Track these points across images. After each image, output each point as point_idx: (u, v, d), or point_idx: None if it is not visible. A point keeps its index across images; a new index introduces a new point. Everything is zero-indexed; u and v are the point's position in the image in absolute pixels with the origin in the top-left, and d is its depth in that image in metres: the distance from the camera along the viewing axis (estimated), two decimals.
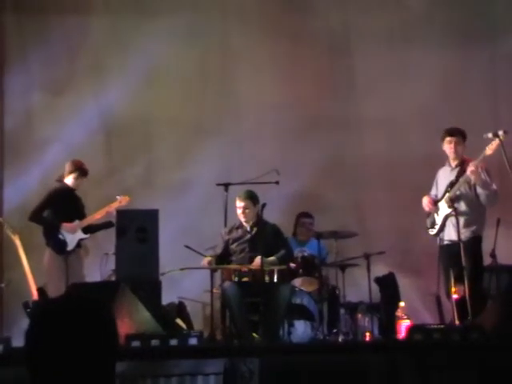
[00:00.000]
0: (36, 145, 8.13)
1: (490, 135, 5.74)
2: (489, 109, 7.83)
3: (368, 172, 8.11)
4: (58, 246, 6.51)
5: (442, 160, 6.46)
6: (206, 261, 6.03)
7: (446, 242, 6.07)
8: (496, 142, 5.73)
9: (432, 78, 8.05)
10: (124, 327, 4.56)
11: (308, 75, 8.24)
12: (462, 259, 5.65)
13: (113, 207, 6.67)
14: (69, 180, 6.70)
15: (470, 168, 5.84)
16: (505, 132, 5.64)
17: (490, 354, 4.27)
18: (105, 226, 6.70)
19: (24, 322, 5.69)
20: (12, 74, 8.35)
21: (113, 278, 6.75)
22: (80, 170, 6.70)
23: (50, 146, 7.96)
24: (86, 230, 6.65)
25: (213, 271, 5.94)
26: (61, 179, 6.75)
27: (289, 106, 8.19)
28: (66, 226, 6.53)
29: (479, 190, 5.97)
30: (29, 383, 1.59)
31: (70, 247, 6.53)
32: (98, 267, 6.97)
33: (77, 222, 6.61)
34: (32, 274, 6.30)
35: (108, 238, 6.52)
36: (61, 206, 6.59)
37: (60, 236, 6.51)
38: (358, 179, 8.09)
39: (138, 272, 6.02)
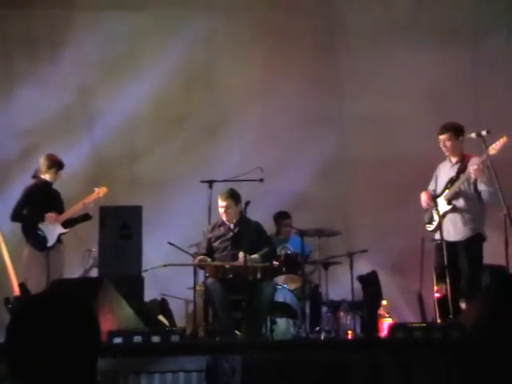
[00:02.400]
0: (20, 139, 8.06)
1: (473, 135, 5.72)
2: (471, 108, 7.85)
3: (353, 170, 8.14)
4: (39, 243, 6.44)
5: (427, 159, 6.42)
6: (197, 261, 6.02)
7: (442, 240, 5.72)
8: (503, 140, 5.59)
9: (417, 77, 8.09)
10: (106, 323, 4.54)
11: (294, 73, 8.25)
12: (444, 258, 5.65)
13: (90, 199, 6.62)
14: (47, 175, 6.63)
15: (473, 167, 5.68)
16: (488, 132, 5.64)
17: (471, 351, 4.30)
18: (82, 218, 6.65)
19: (5, 318, 5.65)
20: None
21: (93, 272, 6.73)
22: (58, 164, 6.64)
23: (34, 142, 7.89)
24: (65, 224, 6.60)
25: (196, 268, 5.95)
26: (37, 175, 6.67)
27: (275, 104, 8.20)
28: (49, 216, 6.47)
29: (483, 187, 5.75)
30: (9, 379, 1.58)
31: (51, 243, 6.47)
32: (80, 263, 6.95)
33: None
34: (14, 270, 6.24)
35: (92, 234, 6.48)
36: (40, 201, 6.52)
37: (39, 233, 6.44)
38: (342, 177, 8.12)
39: (120, 268, 6.00)
